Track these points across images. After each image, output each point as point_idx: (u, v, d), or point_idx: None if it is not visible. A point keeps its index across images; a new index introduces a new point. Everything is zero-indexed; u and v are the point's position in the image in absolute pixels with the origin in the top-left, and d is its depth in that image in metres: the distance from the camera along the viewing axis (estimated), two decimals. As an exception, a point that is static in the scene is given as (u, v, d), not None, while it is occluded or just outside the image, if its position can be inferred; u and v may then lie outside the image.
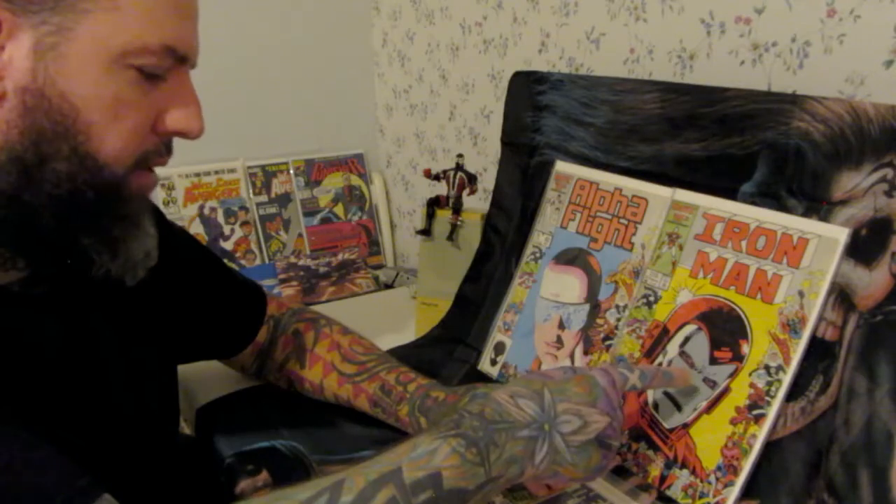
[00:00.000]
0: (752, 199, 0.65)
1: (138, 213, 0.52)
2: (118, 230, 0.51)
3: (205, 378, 0.83)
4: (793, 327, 0.58)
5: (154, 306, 0.63)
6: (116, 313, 0.59)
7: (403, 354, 0.80)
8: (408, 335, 0.97)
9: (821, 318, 0.58)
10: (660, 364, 0.67)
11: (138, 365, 0.61)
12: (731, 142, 0.67)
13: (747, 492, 0.58)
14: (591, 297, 0.77)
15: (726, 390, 0.61)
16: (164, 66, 0.50)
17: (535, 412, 0.51)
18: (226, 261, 1.47)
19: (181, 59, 0.51)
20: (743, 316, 0.62)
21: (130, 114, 0.48)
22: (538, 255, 0.85)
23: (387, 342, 0.85)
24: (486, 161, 1.31)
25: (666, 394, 0.65)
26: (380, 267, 1.54)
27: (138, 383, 0.60)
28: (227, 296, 0.76)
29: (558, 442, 0.50)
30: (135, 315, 0.61)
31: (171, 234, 0.68)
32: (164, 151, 0.52)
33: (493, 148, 1.23)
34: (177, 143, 0.54)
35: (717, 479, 0.59)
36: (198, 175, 1.46)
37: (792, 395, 0.58)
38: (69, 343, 0.54)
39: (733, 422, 0.60)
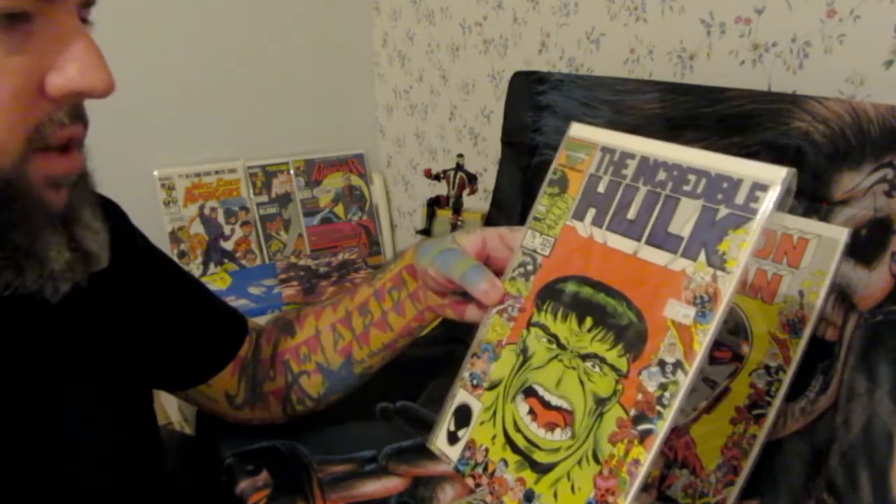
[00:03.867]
0: (752, 199, 0.65)
1: (51, 210, 0.41)
2: (21, 236, 0.39)
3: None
4: (793, 327, 0.58)
5: (113, 328, 0.55)
6: (67, 342, 0.50)
7: (404, 354, 0.80)
8: (408, 335, 0.97)
9: (821, 318, 0.57)
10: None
11: (100, 399, 0.52)
12: (731, 142, 0.67)
13: (747, 492, 0.57)
14: (591, 297, 0.76)
15: (726, 390, 0.61)
16: (20, 7, 0.36)
17: None
18: (226, 261, 1.48)
19: None
20: (743, 316, 0.62)
21: None
22: (538, 255, 0.84)
23: (387, 342, 0.85)
24: (486, 161, 1.31)
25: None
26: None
27: (102, 423, 0.52)
28: (201, 311, 0.67)
29: None
30: (90, 341, 0.52)
31: (134, 243, 0.62)
32: (64, 120, 0.39)
33: (493, 148, 1.23)
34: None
35: (717, 479, 0.59)
36: (198, 175, 1.46)
37: (792, 395, 0.57)
38: (12, 387, 0.46)
39: (733, 422, 0.59)
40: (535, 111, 0.90)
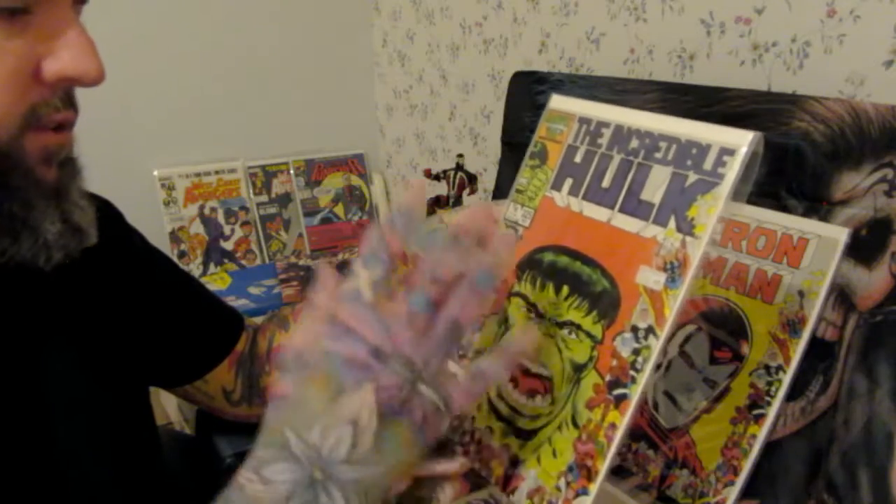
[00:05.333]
0: (752, 199, 0.65)
1: (44, 184, 0.43)
2: (18, 206, 0.42)
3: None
4: (793, 327, 0.58)
5: (108, 324, 0.55)
6: (61, 336, 0.51)
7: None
8: (408, 335, 0.97)
9: (821, 318, 0.58)
10: (659, 364, 0.67)
11: (94, 395, 0.53)
12: (731, 142, 0.67)
13: (747, 492, 0.57)
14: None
15: (726, 390, 0.61)
16: (22, 1, 0.39)
17: (290, 474, 0.35)
18: (226, 261, 1.48)
19: None
20: (743, 316, 0.62)
21: None
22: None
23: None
24: (486, 161, 1.31)
25: (666, 393, 0.65)
26: (380, 267, 1.54)
27: (97, 419, 0.53)
28: (197, 307, 0.68)
29: (346, 472, 0.35)
30: (85, 336, 0.53)
31: (129, 240, 0.62)
32: (58, 105, 0.42)
33: (493, 148, 1.23)
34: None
35: (717, 479, 0.59)
36: (198, 175, 1.46)
37: (792, 395, 0.57)
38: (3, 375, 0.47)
39: (733, 422, 0.60)
40: (535, 111, 0.90)
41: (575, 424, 0.43)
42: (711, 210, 0.40)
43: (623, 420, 0.40)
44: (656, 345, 0.40)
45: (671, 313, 0.40)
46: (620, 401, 0.41)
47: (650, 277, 0.41)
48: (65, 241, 0.44)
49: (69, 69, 0.41)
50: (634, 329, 0.41)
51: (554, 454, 0.43)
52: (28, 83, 0.41)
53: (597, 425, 0.41)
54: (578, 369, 0.44)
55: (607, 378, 0.42)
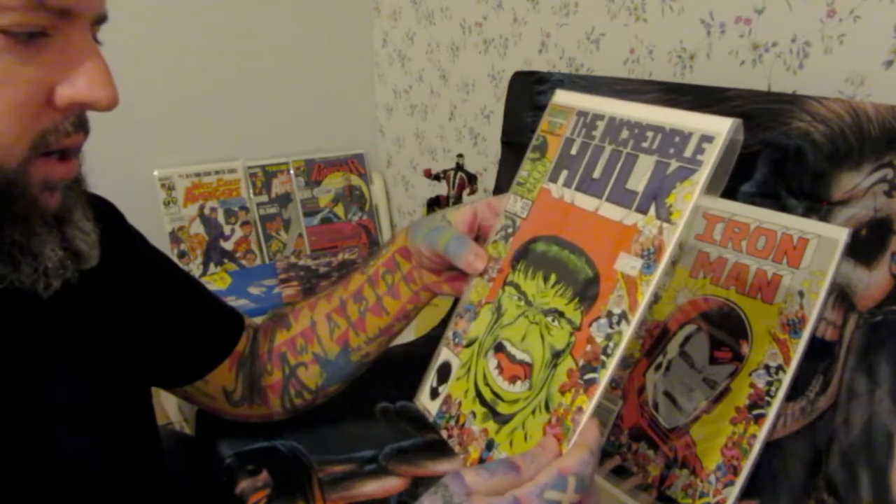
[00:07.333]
0: (753, 199, 0.65)
1: (47, 211, 0.43)
2: (19, 234, 0.41)
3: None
4: (793, 327, 0.58)
5: (106, 325, 0.55)
6: (59, 339, 0.51)
7: (403, 353, 0.80)
8: (408, 335, 0.97)
9: (821, 318, 0.58)
10: (659, 364, 0.67)
11: (95, 398, 0.53)
12: (731, 142, 0.67)
13: (747, 492, 0.58)
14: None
15: (726, 390, 0.61)
16: (40, 25, 0.38)
17: None
18: (226, 261, 1.48)
19: (62, 12, 0.39)
20: (743, 316, 0.62)
21: (4, 89, 0.38)
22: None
23: (387, 342, 0.85)
24: (486, 161, 1.31)
25: (666, 394, 0.65)
26: (380, 267, 1.54)
27: (98, 421, 0.53)
28: (197, 308, 0.67)
29: None
30: (83, 338, 0.53)
31: (130, 242, 0.62)
32: (68, 130, 0.42)
33: (493, 148, 1.23)
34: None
35: (717, 479, 0.59)
36: (198, 175, 1.46)
37: (792, 395, 0.58)
38: (2, 383, 0.47)
39: (733, 422, 0.60)
40: (535, 111, 0.90)
41: (547, 409, 0.44)
42: (688, 197, 0.40)
43: (590, 404, 0.41)
44: (627, 330, 0.41)
45: (643, 299, 0.40)
46: (590, 385, 0.42)
47: (628, 264, 0.42)
48: (65, 267, 0.44)
49: (84, 96, 0.41)
50: (609, 315, 0.42)
51: (525, 438, 0.44)
52: (40, 109, 0.40)
53: (566, 409, 0.42)
54: (557, 355, 0.44)
55: (580, 363, 0.43)
